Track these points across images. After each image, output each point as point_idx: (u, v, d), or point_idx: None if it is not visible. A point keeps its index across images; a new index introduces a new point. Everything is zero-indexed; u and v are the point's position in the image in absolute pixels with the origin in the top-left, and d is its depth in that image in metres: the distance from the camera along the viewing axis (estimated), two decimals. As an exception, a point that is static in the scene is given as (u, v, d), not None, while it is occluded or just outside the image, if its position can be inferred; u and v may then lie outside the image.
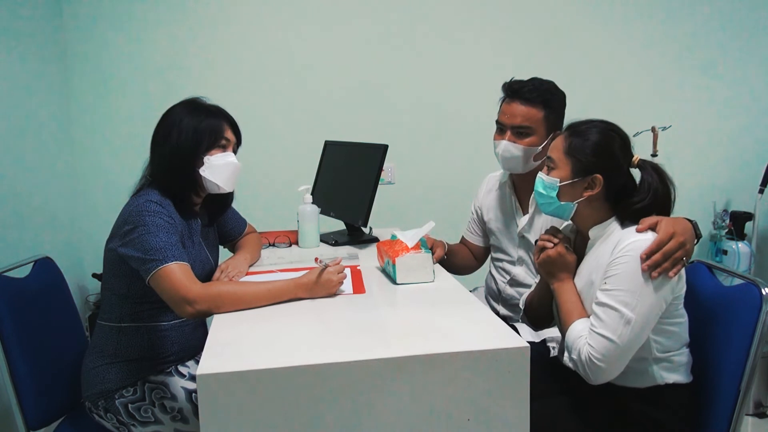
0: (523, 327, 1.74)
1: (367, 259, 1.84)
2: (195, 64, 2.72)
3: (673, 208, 1.35)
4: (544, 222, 1.74)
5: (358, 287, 1.53)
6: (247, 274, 1.65)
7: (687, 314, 1.36)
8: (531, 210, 1.80)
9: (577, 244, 1.48)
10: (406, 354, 1.10)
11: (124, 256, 1.41)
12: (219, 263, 1.67)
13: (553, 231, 1.47)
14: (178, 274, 1.35)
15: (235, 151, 1.62)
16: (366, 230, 2.09)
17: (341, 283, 1.48)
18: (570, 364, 1.31)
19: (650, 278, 1.23)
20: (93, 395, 1.48)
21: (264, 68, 2.78)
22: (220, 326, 1.28)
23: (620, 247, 1.26)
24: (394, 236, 1.65)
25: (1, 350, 1.45)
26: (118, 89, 2.69)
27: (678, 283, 1.28)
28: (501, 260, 1.92)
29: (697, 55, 3.07)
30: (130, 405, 1.45)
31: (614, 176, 1.34)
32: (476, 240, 2.02)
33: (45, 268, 1.71)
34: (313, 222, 2.01)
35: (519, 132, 1.71)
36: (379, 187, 1.95)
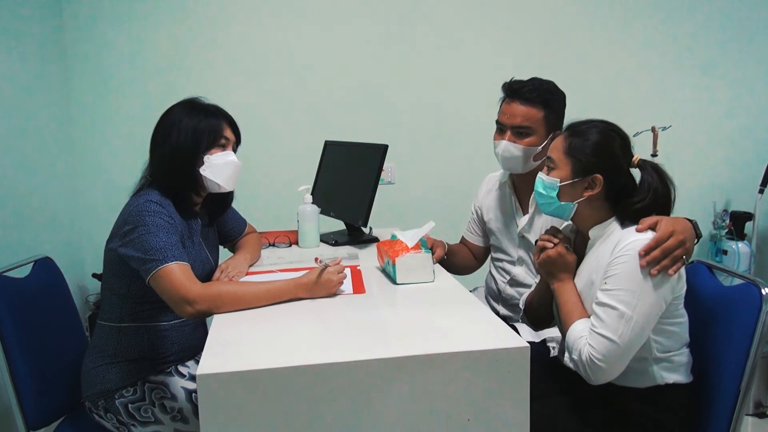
0: (523, 327, 1.74)
1: (367, 259, 1.84)
2: (195, 64, 2.72)
3: (673, 208, 1.35)
4: (544, 222, 1.74)
5: (358, 287, 1.53)
6: (247, 274, 1.65)
7: (687, 314, 1.36)
8: (531, 210, 1.80)
9: (577, 244, 1.48)
10: (406, 354, 1.10)
11: (124, 256, 1.41)
12: (219, 263, 1.67)
13: (553, 231, 1.47)
14: (178, 274, 1.35)
15: (234, 150, 1.62)
16: (366, 230, 2.09)
17: (341, 283, 1.48)
18: (570, 365, 1.31)
19: (650, 277, 1.23)
20: (93, 395, 1.48)
21: (264, 68, 2.78)
22: (220, 326, 1.28)
23: (620, 247, 1.26)
24: (394, 236, 1.65)
25: (1, 350, 1.45)
26: (118, 89, 2.69)
27: (678, 283, 1.28)
28: (501, 260, 1.92)
29: (697, 55, 3.07)
30: (130, 405, 1.46)
31: (614, 176, 1.34)
32: (476, 240, 2.02)
33: (45, 268, 1.71)
34: (313, 222, 2.01)
35: (519, 132, 1.71)
36: (379, 187, 1.95)
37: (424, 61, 2.87)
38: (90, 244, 2.66)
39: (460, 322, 1.29)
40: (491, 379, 1.12)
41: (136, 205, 1.43)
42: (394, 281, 1.55)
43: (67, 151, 2.62)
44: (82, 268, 2.68)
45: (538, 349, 1.71)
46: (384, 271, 1.67)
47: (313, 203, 2.01)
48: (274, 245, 2.04)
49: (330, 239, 2.08)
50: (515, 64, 2.65)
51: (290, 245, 2.05)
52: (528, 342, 1.16)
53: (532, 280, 1.79)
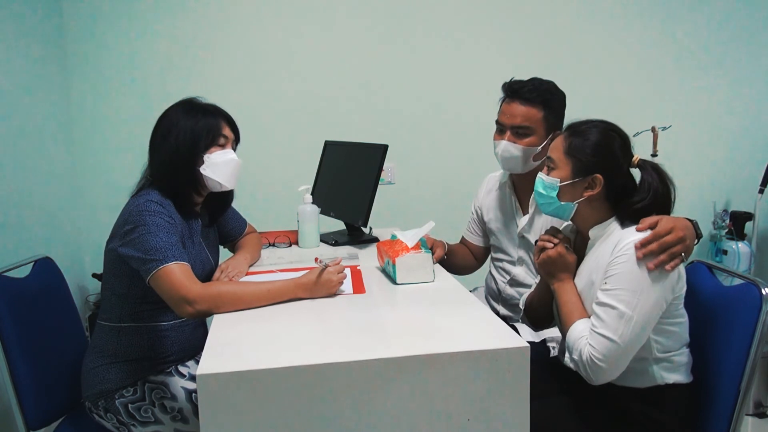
0: (523, 327, 1.75)
1: (367, 259, 1.84)
2: (195, 64, 2.72)
3: (673, 208, 1.35)
4: (544, 222, 1.74)
5: (358, 287, 1.53)
6: (247, 274, 1.65)
7: (687, 314, 1.36)
8: (531, 210, 1.80)
9: (577, 244, 1.48)
10: (406, 354, 1.10)
11: (125, 256, 1.41)
12: (219, 263, 1.67)
13: (553, 231, 1.47)
14: (178, 274, 1.35)
15: (234, 148, 1.62)
16: (366, 230, 2.09)
17: (341, 283, 1.48)
18: (571, 365, 1.31)
19: (651, 277, 1.23)
20: (93, 395, 1.48)
21: (264, 68, 2.78)
22: (220, 326, 1.28)
23: (620, 247, 1.26)
24: (394, 236, 1.65)
25: (1, 350, 1.45)
26: (118, 89, 2.69)
27: (678, 283, 1.28)
28: (501, 260, 1.92)
29: (697, 55, 3.07)
30: (130, 405, 1.46)
31: (614, 176, 1.34)
32: (476, 240, 2.02)
33: (45, 268, 1.71)
34: (313, 222, 2.01)
35: (518, 132, 1.71)
36: (379, 187, 1.95)
37: (424, 61, 2.87)
38: (90, 244, 2.66)
39: (460, 322, 1.29)
40: (491, 379, 1.11)
41: (136, 205, 1.43)
42: (394, 281, 1.55)
43: (67, 151, 2.62)
44: (82, 268, 2.68)
45: (538, 349, 1.71)
46: (384, 271, 1.67)
47: (313, 203, 2.01)
48: (274, 245, 2.04)
49: (330, 239, 2.08)
50: (515, 64, 2.65)
51: (290, 245, 2.05)
52: (528, 342, 1.16)
53: (532, 280, 1.79)
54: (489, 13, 2.90)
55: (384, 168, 2.06)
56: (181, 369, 1.52)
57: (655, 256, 1.23)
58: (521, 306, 1.67)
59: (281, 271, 1.68)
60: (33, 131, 2.32)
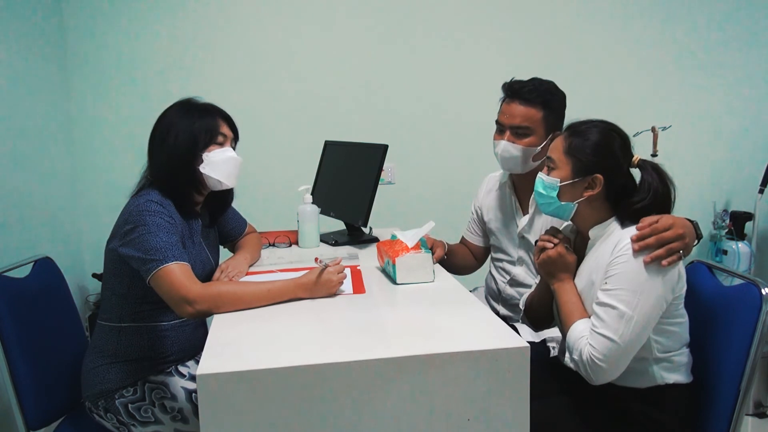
0: (523, 327, 1.74)
1: (367, 259, 1.84)
2: (195, 64, 2.72)
3: (673, 208, 1.35)
4: (544, 222, 1.74)
5: (358, 287, 1.53)
6: (247, 274, 1.65)
7: (687, 314, 1.36)
8: (531, 210, 1.80)
9: (577, 244, 1.48)
10: (406, 354, 1.10)
11: (125, 256, 1.41)
12: (219, 263, 1.67)
13: (553, 231, 1.47)
14: (178, 274, 1.35)
15: (233, 147, 1.62)
16: (366, 230, 2.09)
17: (341, 283, 1.48)
18: (571, 365, 1.31)
19: (651, 277, 1.23)
20: (93, 395, 1.48)
21: (264, 68, 2.78)
22: (220, 326, 1.28)
23: (620, 247, 1.26)
24: (394, 236, 1.65)
25: (1, 350, 1.45)
26: (118, 89, 2.69)
27: (678, 283, 1.28)
28: (501, 260, 1.92)
29: (697, 55, 3.07)
30: (130, 405, 1.46)
31: (614, 176, 1.34)
32: (476, 240, 2.02)
33: (45, 268, 1.71)
34: (313, 222, 2.01)
35: (518, 132, 1.71)
36: (379, 187, 1.95)
37: (424, 61, 2.87)
38: (90, 244, 2.66)
39: (460, 322, 1.29)
40: (491, 379, 1.11)
41: (136, 205, 1.43)
42: (394, 281, 1.55)
43: (67, 151, 2.62)
44: (82, 268, 2.68)
45: (538, 349, 1.71)
46: (384, 271, 1.67)
47: (313, 203, 2.01)
48: (274, 245, 2.04)
49: (330, 239, 2.08)
50: (515, 63, 2.65)
51: (290, 245, 2.05)
52: (528, 342, 1.16)
53: (532, 280, 1.79)
54: (489, 13, 2.90)
55: (384, 168, 2.06)
56: (181, 369, 1.52)
57: (652, 250, 1.23)
58: (521, 306, 1.66)
59: (281, 271, 1.68)
60: (33, 131, 2.32)
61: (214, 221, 1.74)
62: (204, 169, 1.53)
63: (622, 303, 1.23)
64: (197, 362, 1.49)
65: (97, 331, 1.54)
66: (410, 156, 2.89)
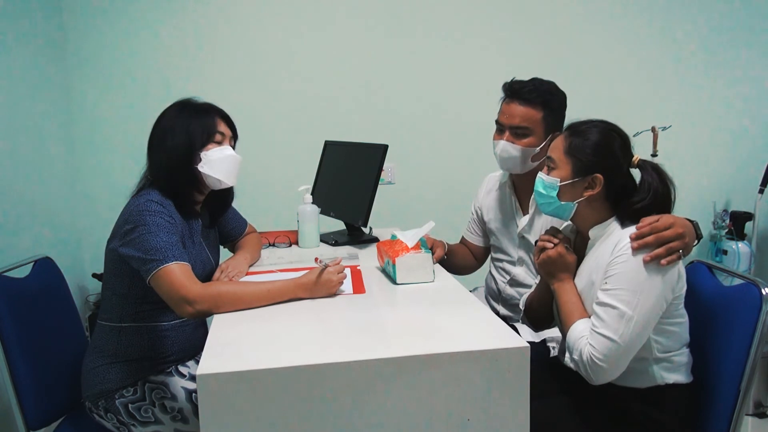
0: (523, 327, 1.74)
1: (367, 259, 1.84)
2: (195, 64, 2.72)
3: (673, 208, 1.35)
4: (544, 222, 1.74)
5: (358, 287, 1.53)
6: (247, 274, 1.65)
7: (687, 314, 1.36)
8: (531, 210, 1.80)
9: (577, 244, 1.48)
10: (406, 354, 1.10)
11: (125, 256, 1.41)
12: (219, 263, 1.67)
13: (553, 231, 1.47)
14: (178, 274, 1.35)
15: (233, 146, 1.62)
16: (366, 230, 2.09)
17: (341, 283, 1.48)
18: (571, 365, 1.31)
19: (651, 277, 1.23)
20: (93, 395, 1.48)
21: (264, 68, 2.78)
22: (220, 326, 1.28)
23: (620, 247, 1.26)
24: (394, 236, 1.65)
25: (1, 350, 1.45)
26: (118, 89, 2.69)
27: (678, 283, 1.28)
28: (501, 260, 1.92)
29: (697, 55, 3.07)
30: (130, 405, 1.46)
31: (614, 176, 1.34)
32: (476, 240, 2.02)
33: (45, 268, 1.71)
34: (313, 222, 2.01)
35: (517, 132, 1.71)
36: (379, 187, 1.95)
37: (424, 61, 2.87)
38: (90, 244, 2.66)
39: (460, 322, 1.29)
40: (491, 379, 1.11)
41: (136, 205, 1.44)
42: (394, 281, 1.55)
43: (67, 151, 2.62)
44: (82, 268, 2.69)
45: (538, 349, 1.71)
46: (384, 271, 1.67)
47: (313, 203, 2.01)
48: (274, 245, 2.04)
49: (330, 239, 2.08)
50: (515, 63, 2.65)
51: (290, 245, 2.05)
52: (528, 342, 1.16)
53: (532, 280, 1.79)
54: (489, 13, 2.90)
55: (384, 168, 2.06)
56: (182, 369, 1.52)
57: (652, 249, 1.23)
58: (521, 306, 1.66)
59: (281, 271, 1.68)
60: (33, 131, 2.32)
61: (215, 221, 1.74)
62: (203, 168, 1.53)
63: (622, 303, 1.23)
64: (197, 362, 1.48)
65: (97, 331, 1.54)
66: (410, 156, 2.89)
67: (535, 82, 1.72)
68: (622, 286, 1.24)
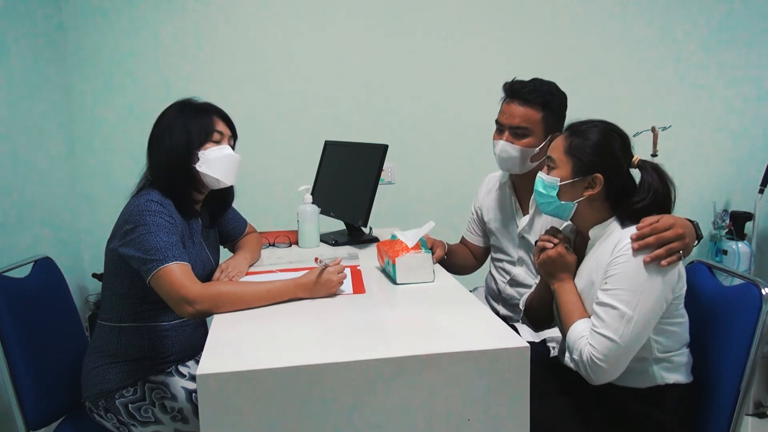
0: (523, 327, 1.74)
1: (367, 259, 1.84)
2: (195, 64, 2.72)
3: (673, 208, 1.35)
4: (544, 223, 1.74)
5: (358, 287, 1.53)
6: (247, 274, 1.65)
7: (687, 314, 1.36)
8: (531, 211, 1.80)
9: (577, 244, 1.48)
10: (406, 354, 1.10)
11: (125, 256, 1.41)
12: (219, 263, 1.67)
13: (553, 231, 1.47)
14: (178, 274, 1.35)
15: (232, 145, 1.62)
16: (366, 230, 2.09)
17: (341, 283, 1.48)
18: (571, 365, 1.31)
19: (651, 277, 1.23)
20: (93, 395, 1.48)
21: (264, 68, 2.78)
22: (220, 326, 1.28)
23: (620, 247, 1.26)
24: (394, 236, 1.65)
25: (1, 350, 1.45)
26: (118, 89, 2.69)
27: (678, 283, 1.28)
28: (501, 260, 1.92)
29: (697, 55, 3.07)
30: (130, 405, 1.46)
31: (614, 175, 1.34)
32: (476, 240, 2.02)
33: (45, 268, 1.71)
34: (313, 222, 2.01)
35: (517, 132, 1.71)
36: (379, 187, 1.95)
37: (424, 61, 2.87)
38: (90, 244, 2.66)
39: (460, 322, 1.29)
40: (491, 379, 1.11)
41: (136, 205, 1.44)
42: (394, 281, 1.55)
43: (68, 151, 2.62)
44: (82, 268, 2.69)
45: (538, 349, 1.71)
46: (384, 271, 1.67)
47: (313, 203, 2.01)
48: (274, 245, 2.04)
49: (330, 239, 2.08)
50: (515, 63, 2.65)
51: (290, 245, 2.05)
52: (528, 342, 1.16)
53: (532, 280, 1.79)
54: (489, 13, 2.90)
55: (384, 168, 2.06)
56: (182, 369, 1.52)
57: (652, 249, 1.23)
58: (521, 306, 1.66)
59: (281, 271, 1.68)
60: (33, 131, 2.32)
61: (215, 221, 1.74)
62: (201, 167, 1.53)
63: (622, 303, 1.23)
64: (197, 362, 1.48)
65: (98, 331, 1.54)
66: (410, 156, 2.89)
67: (536, 82, 1.72)
68: (623, 286, 1.24)
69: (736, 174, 3.18)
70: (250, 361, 1.08)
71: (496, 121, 1.78)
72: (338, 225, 2.20)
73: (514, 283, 1.87)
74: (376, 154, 1.96)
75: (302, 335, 1.23)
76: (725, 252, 2.99)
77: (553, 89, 1.72)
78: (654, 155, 2.76)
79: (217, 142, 1.56)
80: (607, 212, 1.36)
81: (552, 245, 1.42)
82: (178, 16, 2.68)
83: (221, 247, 1.81)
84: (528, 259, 1.83)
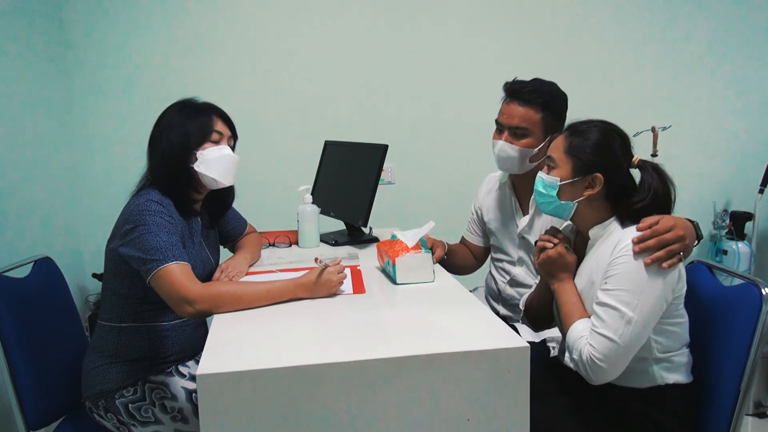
0: (523, 327, 1.74)
1: (367, 259, 1.84)
2: (195, 64, 2.72)
3: (674, 208, 1.35)
4: (544, 223, 1.74)
5: (358, 287, 1.53)
6: (247, 274, 1.65)
7: (687, 314, 1.36)
8: (531, 211, 1.80)
9: (577, 244, 1.48)
10: (406, 354, 1.10)
11: (125, 256, 1.41)
12: (219, 263, 1.67)
13: (553, 231, 1.47)
14: (177, 274, 1.35)
15: (232, 146, 1.62)
16: (366, 230, 2.09)
17: (341, 283, 1.48)
18: (571, 365, 1.31)
19: (651, 277, 1.23)
20: (93, 395, 1.48)
21: (264, 68, 2.78)
22: (220, 326, 1.28)
23: (620, 247, 1.26)
24: (394, 236, 1.65)
25: (1, 350, 1.45)
26: (118, 89, 2.69)
27: (678, 283, 1.28)
28: (501, 260, 1.92)
29: (697, 55, 3.07)
30: (130, 405, 1.46)
31: (614, 175, 1.34)
32: (476, 240, 2.02)
33: (45, 268, 1.70)
34: (313, 222, 2.01)
35: (516, 133, 1.71)
36: (379, 187, 1.95)
37: (425, 61, 2.87)
38: (90, 244, 2.66)
39: (460, 322, 1.29)
40: (491, 379, 1.11)
41: (136, 205, 1.44)
42: (394, 281, 1.55)
43: (67, 151, 2.62)
44: (82, 268, 2.68)
45: (538, 349, 1.71)
46: (384, 271, 1.67)
47: (313, 203, 2.01)
48: (274, 245, 2.04)
49: (330, 239, 2.08)
50: (515, 63, 2.65)
51: (290, 245, 2.05)
52: (528, 342, 1.16)
53: (532, 280, 1.79)
54: (489, 14, 2.90)
55: (384, 168, 2.06)
56: (182, 369, 1.52)
57: (653, 252, 1.23)
58: (521, 306, 1.66)
59: (281, 271, 1.68)
60: (33, 131, 2.32)
61: (215, 222, 1.74)
62: (198, 167, 1.53)
63: (622, 303, 1.23)
64: (197, 362, 1.48)
65: (98, 331, 1.54)
66: (410, 156, 2.89)
67: (536, 83, 1.71)
68: (623, 286, 1.24)
69: (736, 174, 3.18)
70: (250, 361, 1.08)
71: (496, 121, 1.78)
72: (338, 225, 2.20)
73: (514, 283, 1.87)
74: (376, 154, 1.96)
75: (302, 335, 1.23)
76: (725, 252, 2.99)
77: (553, 90, 1.72)
78: (654, 155, 2.76)
79: (216, 143, 1.56)
80: (607, 212, 1.36)
81: (552, 245, 1.42)
82: (178, 16, 2.69)
83: (221, 247, 1.81)
84: (528, 259, 1.83)
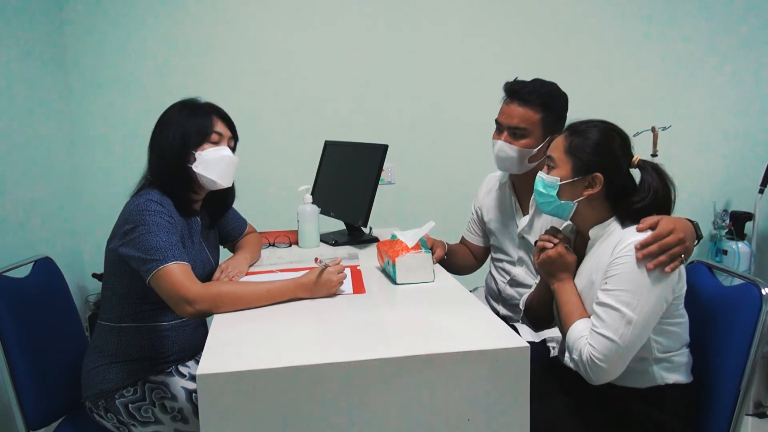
0: (523, 327, 1.74)
1: (367, 259, 1.84)
2: (195, 64, 2.72)
3: (674, 209, 1.35)
4: (544, 223, 1.74)
5: (358, 287, 1.53)
6: (247, 274, 1.65)
7: (687, 314, 1.36)
8: (531, 211, 1.80)
9: (577, 244, 1.48)
10: (406, 354, 1.10)
11: (125, 256, 1.41)
12: (219, 263, 1.67)
13: (553, 231, 1.47)
14: (177, 274, 1.35)
15: (233, 146, 1.62)
16: (366, 230, 2.09)
17: (341, 283, 1.48)
18: (571, 365, 1.31)
19: (651, 278, 1.23)
20: (93, 395, 1.48)
21: (264, 68, 2.78)
22: (220, 326, 1.28)
23: (621, 247, 1.26)
24: (394, 236, 1.65)
25: (1, 350, 1.45)
26: (118, 89, 2.69)
27: (678, 283, 1.28)
28: (501, 260, 1.92)
29: (697, 55, 3.07)
30: (130, 405, 1.46)
31: (614, 175, 1.34)
32: (476, 240, 2.02)
33: (45, 268, 1.71)
34: (313, 222, 2.01)
35: (515, 133, 1.71)
36: (379, 187, 1.95)
37: (424, 62, 2.87)
38: (90, 244, 2.66)
39: (460, 322, 1.29)
40: (491, 379, 1.11)
41: (136, 205, 1.43)
42: (394, 281, 1.55)
43: (67, 151, 2.62)
44: (82, 268, 2.68)
45: (538, 349, 1.71)
46: (384, 271, 1.67)
47: (313, 203, 2.01)
48: (274, 245, 2.04)
49: (330, 239, 2.08)
50: (515, 63, 2.65)
51: (290, 245, 2.05)
52: (528, 342, 1.16)
53: (532, 280, 1.79)
54: (489, 14, 2.90)
55: (384, 168, 2.06)
56: (182, 369, 1.52)
57: (655, 257, 1.23)
58: (521, 306, 1.66)
59: (281, 271, 1.68)
60: (33, 131, 2.32)
61: (215, 222, 1.74)
62: (197, 167, 1.53)
63: (622, 303, 1.23)
64: (197, 362, 1.48)
65: (97, 331, 1.54)
66: (410, 156, 2.89)
67: (536, 83, 1.71)
68: (623, 286, 1.24)
69: (736, 174, 3.18)
70: (250, 361, 1.08)
71: (496, 121, 1.78)
72: (338, 225, 2.20)
73: (514, 283, 1.87)
74: (376, 154, 1.96)
75: (302, 335, 1.23)
76: (725, 252, 2.99)
77: (553, 90, 1.72)
78: (654, 155, 2.76)
79: (216, 143, 1.56)
80: (607, 212, 1.36)
81: (552, 245, 1.42)
82: (178, 16, 2.68)
83: (221, 247, 1.81)
84: (528, 259, 1.83)
